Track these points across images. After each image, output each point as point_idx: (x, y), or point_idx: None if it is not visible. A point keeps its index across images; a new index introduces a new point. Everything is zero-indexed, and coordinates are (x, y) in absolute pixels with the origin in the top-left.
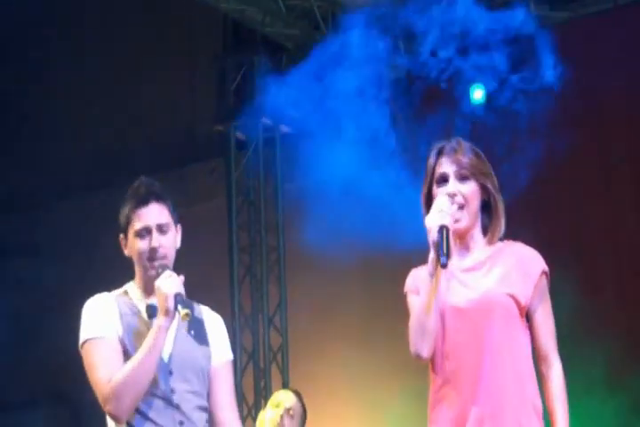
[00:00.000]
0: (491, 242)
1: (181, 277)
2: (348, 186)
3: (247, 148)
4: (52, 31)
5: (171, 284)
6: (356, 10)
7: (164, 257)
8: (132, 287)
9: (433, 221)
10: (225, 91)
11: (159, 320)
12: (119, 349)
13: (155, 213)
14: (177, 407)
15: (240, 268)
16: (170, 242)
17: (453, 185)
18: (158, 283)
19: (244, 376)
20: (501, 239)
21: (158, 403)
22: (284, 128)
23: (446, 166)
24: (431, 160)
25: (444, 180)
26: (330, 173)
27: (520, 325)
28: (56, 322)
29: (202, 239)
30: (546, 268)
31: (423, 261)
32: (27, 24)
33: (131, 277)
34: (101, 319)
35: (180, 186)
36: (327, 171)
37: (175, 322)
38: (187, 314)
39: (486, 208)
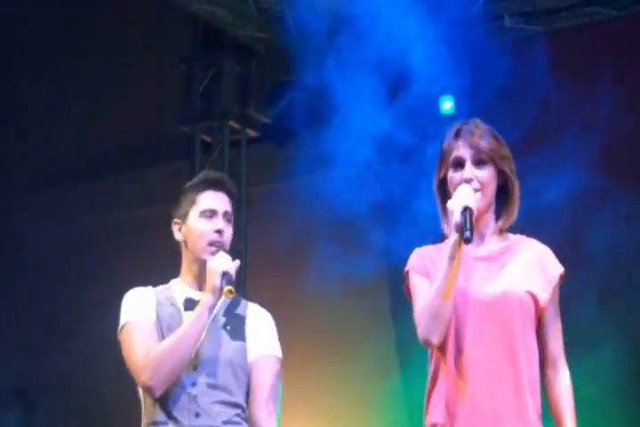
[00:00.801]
0: (502, 229)
1: (236, 262)
2: (317, 190)
3: (212, 150)
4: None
5: (221, 262)
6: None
7: (224, 246)
8: (177, 282)
9: (457, 203)
10: (192, 92)
11: (205, 297)
12: (156, 332)
13: (224, 201)
14: (194, 399)
15: None
16: (231, 233)
17: (470, 170)
18: (210, 261)
19: None
20: (509, 231)
21: (177, 392)
22: (251, 131)
23: (463, 150)
24: (447, 143)
25: (459, 164)
26: (295, 176)
27: (533, 327)
28: None
29: (162, 243)
30: (563, 270)
31: (395, 271)
32: None
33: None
34: (139, 306)
35: (141, 188)
36: (293, 174)
37: (211, 315)
38: (230, 291)
39: (500, 194)
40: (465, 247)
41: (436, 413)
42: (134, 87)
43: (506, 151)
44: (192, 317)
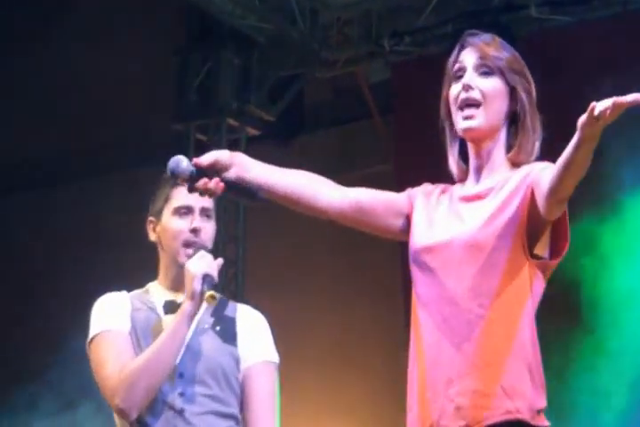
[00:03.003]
0: (515, 164)
1: (219, 261)
2: None
3: (208, 151)
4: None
5: (202, 264)
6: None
7: (204, 245)
8: (155, 285)
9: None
10: (186, 87)
11: (184, 305)
12: (130, 343)
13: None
14: (180, 412)
15: None
16: (212, 231)
17: (470, 77)
18: (188, 263)
19: None
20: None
21: (159, 407)
22: (251, 130)
23: (466, 57)
24: (452, 55)
25: (461, 74)
26: None
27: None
28: None
29: (154, 250)
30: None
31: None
32: None
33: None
34: (112, 313)
35: (132, 191)
36: None
37: (197, 317)
38: (212, 296)
39: (516, 124)
40: (458, 186)
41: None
42: (123, 82)
43: (521, 68)
44: (169, 328)
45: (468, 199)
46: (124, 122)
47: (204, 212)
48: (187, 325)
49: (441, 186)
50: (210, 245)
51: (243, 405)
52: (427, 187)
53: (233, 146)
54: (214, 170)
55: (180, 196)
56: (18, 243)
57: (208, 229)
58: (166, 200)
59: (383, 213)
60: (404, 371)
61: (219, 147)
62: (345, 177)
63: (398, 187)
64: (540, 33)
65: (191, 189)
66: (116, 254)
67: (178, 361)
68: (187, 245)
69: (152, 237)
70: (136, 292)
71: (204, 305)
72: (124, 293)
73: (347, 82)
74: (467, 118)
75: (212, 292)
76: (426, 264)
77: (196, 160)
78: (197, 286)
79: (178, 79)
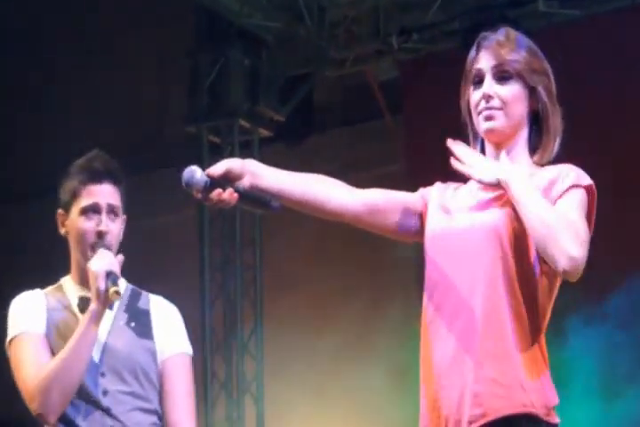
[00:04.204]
0: (538, 162)
1: (119, 257)
2: None
3: (221, 152)
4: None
5: (103, 261)
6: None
7: (110, 246)
8: (68, 281)
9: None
10: (197, 89)
11: (91, 305)
12: (47, 345)
13: (108, 193)
14: (107, 411)
15: (212, 287)
16: (118, 230)
17: (489, 85)
18: (89, 263)
19: (215, 407)
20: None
21: (85, 407)
22: (263, 131)
23: (483, 61)
24: (470, 55)
25: (479, 79)
26: None
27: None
28: None
29: (170, 255)
30: (581, 183)
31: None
32: None
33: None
34: (27, 315)
35: (145, 194)
36: None
37: (111, 314)
38: (116, 292)
39: (538, 123)
40: (475, 186)
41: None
42: (134, 84)
43: (541, 65)
44: (78, 330)
45: (488, 189)
46: (138, 124)
47: (111, 209)
48: (95, 325)
49: (454, 183)
50: (116, 243)
51: (161, 397)
52: (439, 184)
53: (245, 148)
54: (227, 179)
55: (87, 194)
56: None
57: (114, 229)
58: (74, 196)
59: (398, 213)
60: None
61: (231, 148)
62: (356, 177)
63: (410, 187)
64: (548, 27)
65: (205, 201)
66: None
67: (98, 360)
68: (93, 247)
69: (61, 230)
70: (50, 289)
71: (118, 302)
72: (37, 291)
73: (356, 81)
74: (488, 119)
75: (115, 287)
76: (443, 249)
77: (208, 171)
78: (102, 284)
79: (189, 81)
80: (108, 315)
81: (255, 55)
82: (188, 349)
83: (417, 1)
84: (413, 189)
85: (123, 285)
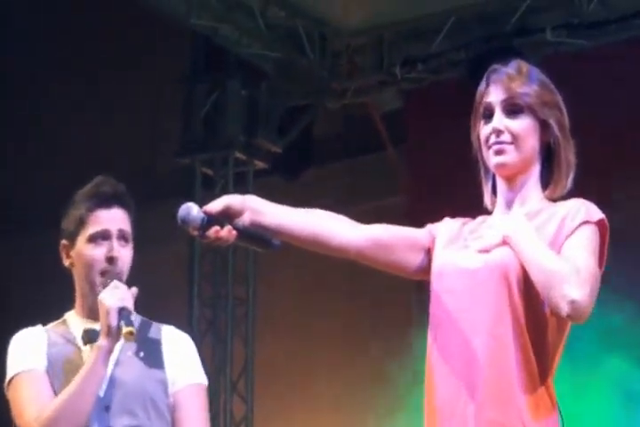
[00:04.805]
0: (549, 197)
1: (133, 290)
2: None
3: (215, 185)
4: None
5: (116, 296)
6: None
7: (120, 273)
8: (72, 315)
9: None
10: (192, 119)
11: (100, 341)
12: (48, 382)
13: (119, 218)
14: None
15: (201, 323)
16: (129, 257)
17: (499, 119)
18: (102, 295)
19: None
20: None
21: None
22: (259, 163)
23: (493, 95)
24: (480, 88)
25: (490, 113)
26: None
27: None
28: None
29: (160, 289)
30: (593, 218)
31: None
32: None
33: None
34: (27, 352)
35: (135, 228)
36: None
37: (119, 344)
38: (130, 333)
39: (550, 157)
40: (485, 216)
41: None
42: (126, 113)
43: (552, 98)
44: (85, 368)
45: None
46: (127, 154)
47: (122, 235)
48: (104, 362)
49: (462, 219)
50: (126, 271)
51: None
52: (448, 220)
53: (240, 180)
54: (226, 216)
55: (96, 220)
56: None
57: (125, 255)
58: (81, 224)
59: (403, 249)
60: (421, 405)
61: (225, 181)
62: (356, 210)
63: (411, 220)
64: (555, 57)
65: (202, 238)
66: None
67: (102, 395)
68: (103, 274)
69: (66, 262)
70: (52, 324)
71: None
72: (39, 327)
73: (357, 112)
74: (498, 153)
75: (129, 328)
76: (449, 287)
77: (206, 207)
78: (113, 321)
79: (183, 111)
80: (116, 346)
81: (253, 85)
82: (202, 379)
83: (421, 30)
84: (415, 222)
85: (132, 316)
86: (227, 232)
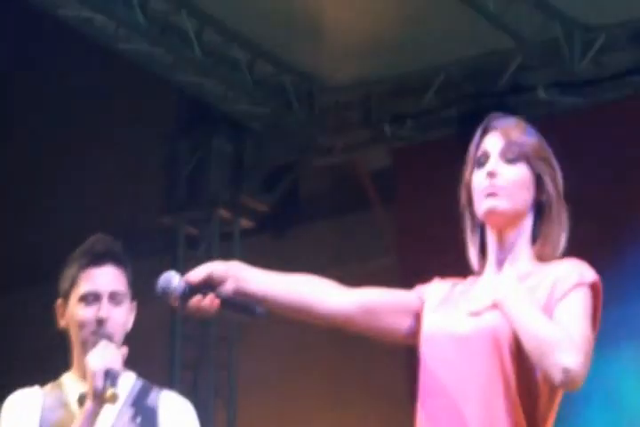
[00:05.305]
0: (540, 258)
1: (123, 350)
2: None
3: (199, 245)
4: None
5: (103, 357)
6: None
7: (111, 335)
8: (68, 377)
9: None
10: (176, 177)
11: (87, 403)
12: None
13: (110, 278)
14: None
15: (182, 387)
16: (122, 317)
17: (495, 163)
18: (88, 357)
19: None
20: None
21: None
22: (245, 222)
23: (490, 143)
24: (474, 139)
25: (485, 160)
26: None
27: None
28: None
29: (140, 352)
30: (585, 280)
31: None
32: None
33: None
34: (18, 418)
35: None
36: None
37: (116, 409)
38: (113, 395)
39: (542, 214)
40: (474, 278)
41: None
42: (106, 171)
43: (548, 157)
44: None
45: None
46: (108, 213)
47: (113, 296)
48: (88, 425)
49: (452, 280)
50: (120, 331)
51: None
52: (437, 281)
53: (225, 240)
54: (208, 285)
55: (89, 280)
56: None
57: (117, 316)
58: (73, 284)
59: (392, 312)
60: None
61: (210, 241)
62: (343, 271)
63: (401, 281)
64: (548, 116)
65: (183, 309)
66: None
67: None
68: (94, 334)
69: (61, 323)
70: (49, 386)
71: (127, 390)
72: (36, 389)
73: (345, 170)
74: (490, 195)
75: (112, 390)
76: (439, 353)
77: (187, 276)
78: (99, 383)
79: (166, 169)
80: (112, 409)
81: (239, 142)
82: None
83: (411, 86)
84: (405, 282)
85: (130, 380)
86: (209, 302)
